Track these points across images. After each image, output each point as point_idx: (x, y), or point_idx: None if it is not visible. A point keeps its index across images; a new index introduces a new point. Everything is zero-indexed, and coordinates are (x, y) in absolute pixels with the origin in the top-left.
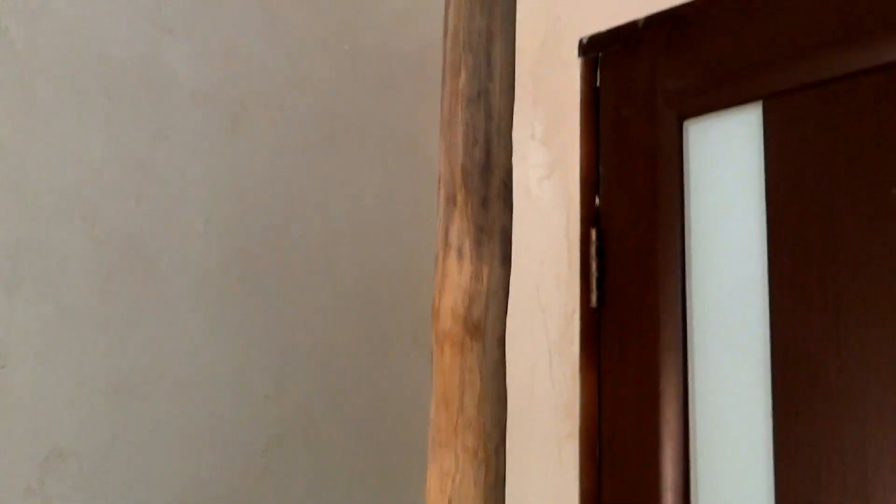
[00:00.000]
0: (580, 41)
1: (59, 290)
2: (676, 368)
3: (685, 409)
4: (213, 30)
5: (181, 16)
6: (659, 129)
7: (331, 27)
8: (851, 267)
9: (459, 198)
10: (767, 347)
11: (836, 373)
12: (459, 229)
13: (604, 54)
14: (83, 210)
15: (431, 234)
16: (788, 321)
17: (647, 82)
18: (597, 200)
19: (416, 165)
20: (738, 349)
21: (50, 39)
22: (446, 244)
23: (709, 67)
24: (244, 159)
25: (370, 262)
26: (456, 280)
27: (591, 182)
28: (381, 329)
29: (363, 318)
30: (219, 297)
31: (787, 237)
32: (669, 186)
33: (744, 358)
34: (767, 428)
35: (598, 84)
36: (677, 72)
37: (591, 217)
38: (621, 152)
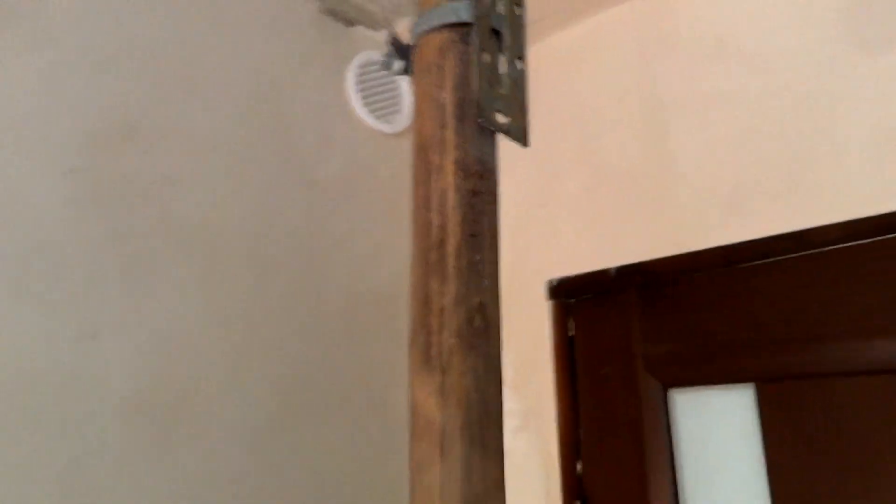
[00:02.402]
0: (549, 283)
1: None
2: None
3: None
4: (144, 324)
5: (106, 316)
6: (643, 395)
7: (289, 284)
8: None
9: None
10: None
11: None
12: None
13: (576, 301)
14: None
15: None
16: None
17: (625, 341)
18: (578, 467)
19: (387, 417)
20: None
21: None
22: None
23: (691, 337)
24: (183, 467)
25: None
26: None
27: (571, 446)
28: None
29: None
30: None
31: None
32: (658, 457)
33: None
34: None
35: (571, 333)
36: (657, 336)
37: (573, 487)
38: (602, 415)
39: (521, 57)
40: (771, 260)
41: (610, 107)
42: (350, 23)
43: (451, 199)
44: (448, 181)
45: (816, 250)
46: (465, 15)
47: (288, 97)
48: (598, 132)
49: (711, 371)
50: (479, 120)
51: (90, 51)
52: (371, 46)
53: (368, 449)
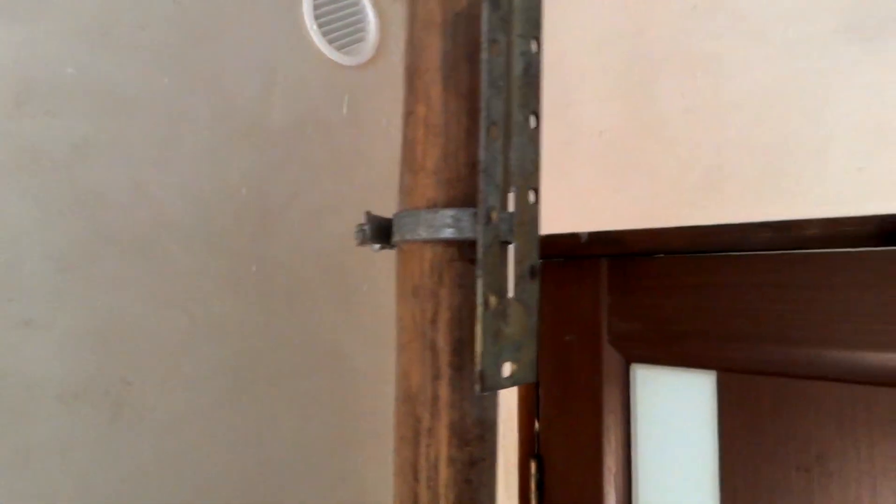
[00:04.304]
0: None
1: None
2: None
3: None
4: (80, 307)
5: (37, 301)
6: (605, 366)
7: (231, 254)
8: None
9: None
10: None
11: None
12: None
13: (545, 262)
14: None
15: None
16: None
17: (591, 311)
18: (536, 425)
19: (339, 382)
20: None
21: None
22: None
23: (658, 318)
24: (132, 450)
25: None
26: None
27: (531, 402)
28: None
29: None
30: None
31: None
32: (614, 425)
33: None
34: None
35: None
36: (624, 311)
37: (529, 442)
38: (563, 379)
39: (533, 271)
40: (747, 253)
41: (588, 54)
42: None
43: (444, 473)
44: (440, 450)
45: (795, 251)
46: (468, 231)
47: (224, 33)
48: (574, 83)
49: (675, 353)
50: (483, 392)
51: None
52: None
53: (322, 418)
